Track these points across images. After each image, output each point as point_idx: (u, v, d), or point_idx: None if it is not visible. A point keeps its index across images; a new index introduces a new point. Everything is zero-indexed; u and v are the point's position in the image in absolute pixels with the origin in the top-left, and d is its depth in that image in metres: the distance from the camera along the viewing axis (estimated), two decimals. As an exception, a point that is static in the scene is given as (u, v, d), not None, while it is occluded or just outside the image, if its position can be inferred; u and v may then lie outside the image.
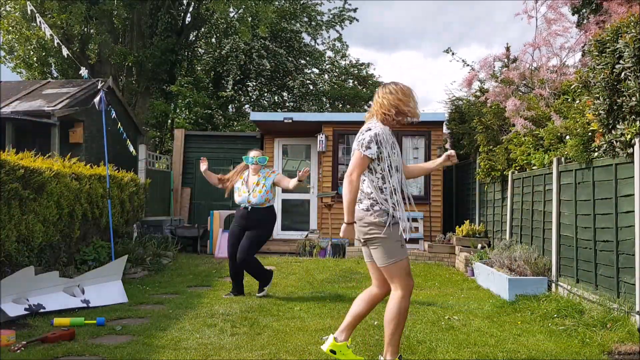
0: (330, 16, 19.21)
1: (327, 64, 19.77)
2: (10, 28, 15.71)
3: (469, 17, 48.27)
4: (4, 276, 5.13)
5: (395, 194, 3.40)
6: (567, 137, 5.98)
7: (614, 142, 4.76)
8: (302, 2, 18.92)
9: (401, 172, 3.52)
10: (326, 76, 19.35)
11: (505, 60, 11.10)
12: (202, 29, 18.69)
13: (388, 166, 3.40)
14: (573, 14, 9.06)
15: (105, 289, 5.71)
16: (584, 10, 8.89)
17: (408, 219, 3.46)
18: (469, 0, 44.92)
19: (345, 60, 20.08)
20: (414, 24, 52.04)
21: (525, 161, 7.37)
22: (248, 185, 6.09)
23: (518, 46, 8.92)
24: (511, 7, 36.47)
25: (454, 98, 13.27)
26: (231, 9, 16.27)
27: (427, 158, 10.66)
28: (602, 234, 5.00)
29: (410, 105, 3.50)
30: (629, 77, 4.52)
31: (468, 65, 13.52)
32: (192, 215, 12.05)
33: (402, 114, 3.50)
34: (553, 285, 6.00)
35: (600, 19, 7.81)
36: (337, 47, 19.80)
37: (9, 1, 15.20)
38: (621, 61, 4.61)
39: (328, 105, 18.85)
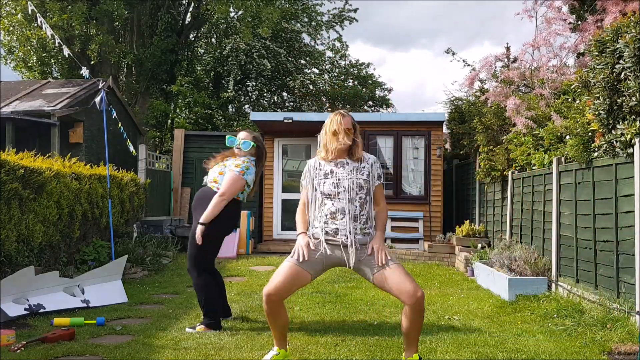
0: (330, 17, 19.26)
1: (327, 64, 19.79)
2: (10, 28, 15.69)
3: (481, 16, 48.06)
4: (4, 276, 5.13)
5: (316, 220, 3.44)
6: (567, 137, 5.98)
7: (614, 142, 4.76)
8: (302, 2, 18.94)
9: (343, 197, 3.35)
10: (326, 76, 19.35)
11: (505, 60, 11.11)
12: (203, 29, 18.69)
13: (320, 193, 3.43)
14: (571, 13, 9.06)
15: (105, 289, 5.71)
16: (580, 10, 8.89)
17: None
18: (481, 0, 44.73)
19: (345, 60, 20.12)
20: (425, 23, 52.01)
21: (525, 161, 7.37)
22: None
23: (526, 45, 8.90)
24: (520, 5, 36.34)
25: (454, 98, 13.28)
26: (231, 9, 16.26)
27: (427, 158, 10.66)
28: (602, 234, 5.00)
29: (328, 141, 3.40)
30: (629, 77, 4.52)
31: (469, 65, 13.55)
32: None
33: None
34: (553, 285, 6.00)
35: (598, 17, 7.81)
36: (337, 47, 19.83)
37: (9, 1, 15.18)
38: (621, 61, 4.61)
39: (328, 105, 18.85)
